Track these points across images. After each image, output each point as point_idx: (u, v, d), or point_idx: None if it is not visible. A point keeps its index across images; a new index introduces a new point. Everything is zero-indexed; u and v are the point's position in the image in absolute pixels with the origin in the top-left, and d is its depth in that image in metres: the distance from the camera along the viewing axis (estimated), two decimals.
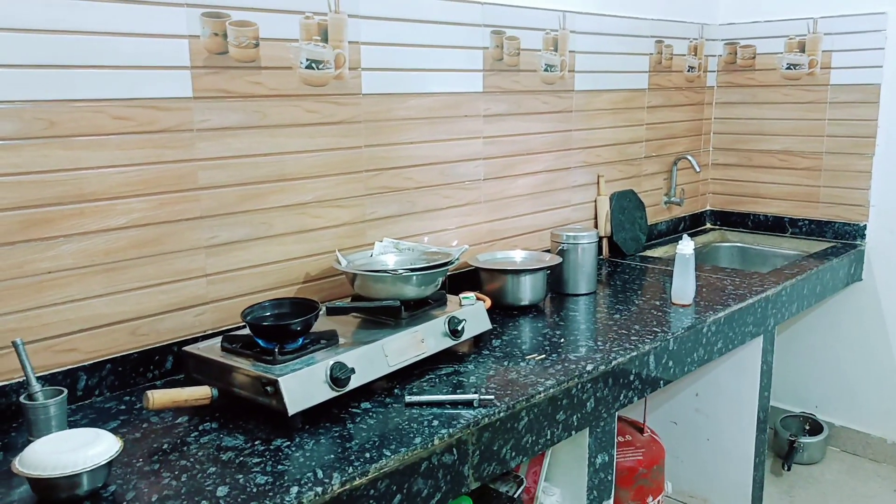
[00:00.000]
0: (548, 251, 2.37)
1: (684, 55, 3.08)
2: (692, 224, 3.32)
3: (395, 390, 1.59)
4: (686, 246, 2.17)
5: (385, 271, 1.76)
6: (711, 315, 2.10)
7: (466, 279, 2.23)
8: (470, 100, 2.25)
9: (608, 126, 2.78)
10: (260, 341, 1.53)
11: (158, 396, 1.40)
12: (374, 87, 1.98)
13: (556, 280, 2.32)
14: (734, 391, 2.47)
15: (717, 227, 3.36)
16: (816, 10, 2.96)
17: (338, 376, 1.47)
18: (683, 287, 2.18)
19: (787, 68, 3.06)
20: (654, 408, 2.72)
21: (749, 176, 3.25)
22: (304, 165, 1.87)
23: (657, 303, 2.22)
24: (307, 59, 1.84)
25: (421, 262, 1.86)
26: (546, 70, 2.47)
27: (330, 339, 1.58)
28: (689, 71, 3.12)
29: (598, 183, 2.78)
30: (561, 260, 2.25)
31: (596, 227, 2.79)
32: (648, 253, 2.92)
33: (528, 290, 2.14)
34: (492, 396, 1.53)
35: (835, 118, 2.97)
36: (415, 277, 1.73)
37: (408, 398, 1.53)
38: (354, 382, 1.50)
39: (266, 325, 1.57)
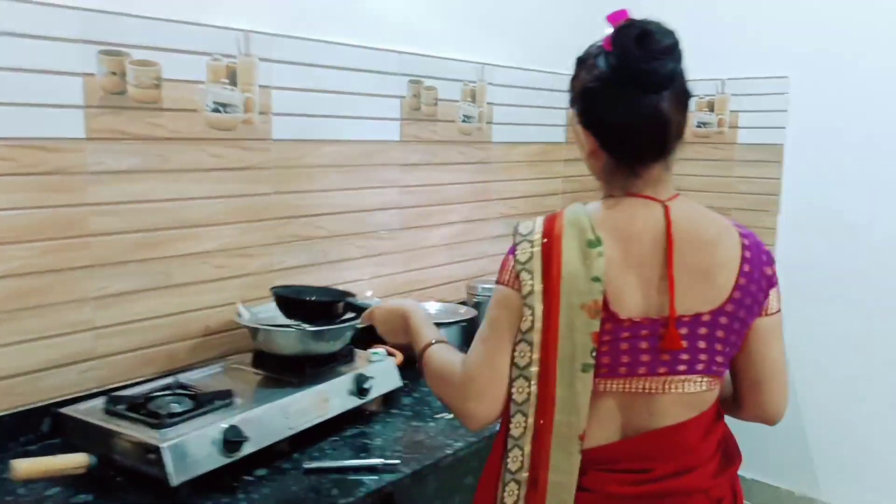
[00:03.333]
0: (464, 303, 2.33)
1: None
2: None
3: (295, 455, 1.49)
4: None
5: (289, 326, 1.67)
6: None
7: None
8: (386, 148, 2.21)
9: (525, 178, 2.79)
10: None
11: (26, 466, 1.26)
12: (285, 133, 1.92)
13: (472, 333, 2.27)
14: None
15: None
16: (724, 71, 3.07)
17: (231, 441, 1.37)
18: None
19: (698, 126, 3.16)
20: None
21: None
22: (208, 212, 1.78)
23: None
24: (214, 102, 1.76)
25: None
26: (464, 121, 2.47)
27: (225, 399, 1.48)
28: None
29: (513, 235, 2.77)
30: (476, 313, 2.20)
31: None
32: None
33: (454, 340, 2.07)
34: (397, 461, 1.46)
35: (742, 176, 3.07)
36: (321, 333, 1.65)
37: (307, 464, 1.44)
38: (249, 447, 1.40)
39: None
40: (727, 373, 1.18)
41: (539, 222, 1.14)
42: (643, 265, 1.08)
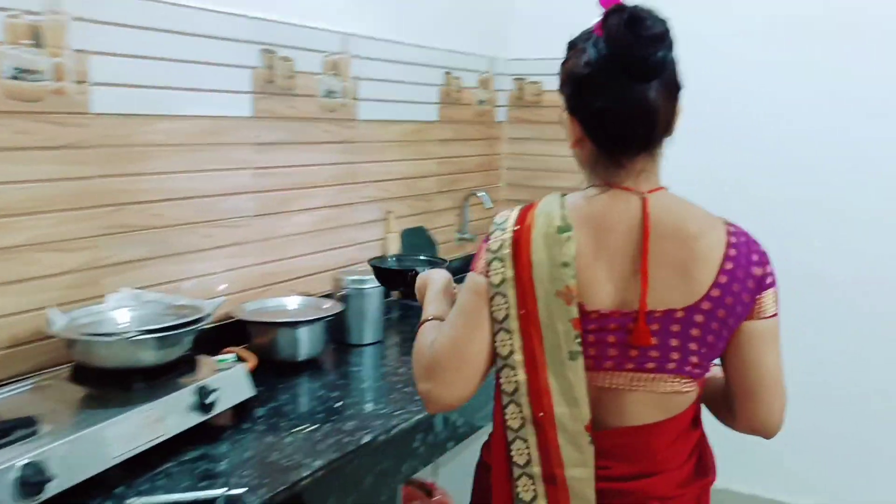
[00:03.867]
0: (330, 296, 2.12)
1: (474, 88, 3.00)
2: None
3: (119, 489, 1.25)
4: None
5: (112, 333, 1.41)
6: None
7: (234, 332, 1.91)
8: (236, 125, 1.96)
9: (397, 159, 2.61)
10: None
11: None
12: (108, 106, 1.63)
13: (338, 329, 2.08)
14: None
15: None
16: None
17: (30, 483, 1.11)
18: None
19: None
20: (449, 460, 2.54)
21: None
22: (12, 199, 1.48)
23: None
24: (14, 68, 1.46)
25: (167, 318, 1.53)
26: (326, 96, 2.24)
27: (26, 427, 1.21)
28: (479, 104, 3.05)
29: (387, 219, 2.58)
30: (343, 307, 2.00)
31: None
32: None
33: (303, 344, 1.87)
34: (243, 489, 1.25)
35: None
36: (151, 340, 1.41)
37: (131, 501, 1.20)
38: (56, 487, 1.15)
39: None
40: (719, 379, 1.15)
41: (515, 212, 1.12)
42: (615, 257, 1.05)
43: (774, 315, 1.08)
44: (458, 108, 2.90)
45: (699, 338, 1.04)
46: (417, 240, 2.69)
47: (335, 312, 1.95)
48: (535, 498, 1.06)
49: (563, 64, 1.11)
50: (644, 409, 1.07)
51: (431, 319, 1.22)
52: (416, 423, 1.60)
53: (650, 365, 1.05)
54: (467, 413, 1.81)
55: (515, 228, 1.08)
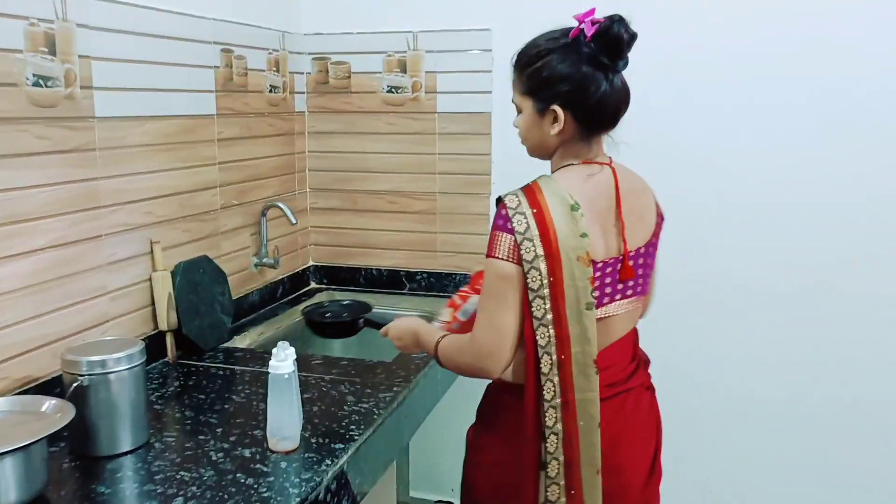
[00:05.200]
0: (60, 387, 1.41)
1: (263, 71, 2.35)
2: (293, 287, 2.59)
3: None
4: (282, 362, 1.40)
5: None
6: (331, 464, 1.37)
7: None
8: None
9: (161, 169, 1.90)
10: None
11: None
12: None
13: (77, 435, 1.38)
14: None
15: (323, 286, 2.70)
16: (415, 22, 2.47)
17: None
18: (282, 422, 1.41)
19: (389, 91, 2.53)
20: None
21: (356, 222, 2.65)
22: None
23: (249, 452, 1.42)
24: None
25: None
26: (36, 85, 1.50)
27: None
28: (271, 91, 2.40)
29: (151, 253, 1.88)
30: (72, 415, 1.30)
31: (154, 320, 1.89)
32: (237, 342, 2.11)
33: (7, 488, 1.16)
34: None
35: (446, 152, 2.51)
36: None
37: None
38: None
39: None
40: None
41: (521, 196, 1.30)
42: (602, 217, 1.33)
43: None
44: (243, 96, 2.24)
45: (650, 265, 1.42)
46: (200, 275, 2.01)
47: (62, 425, 1.24)
48: (555, 423, 1.31)
49: (543, 67, 1.31)
50: (624, 325, 1.40)
51: (443, 337, 1.45)
52: None
53: (630, 292, 1.38)
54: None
55: (534, 211, 1.28)
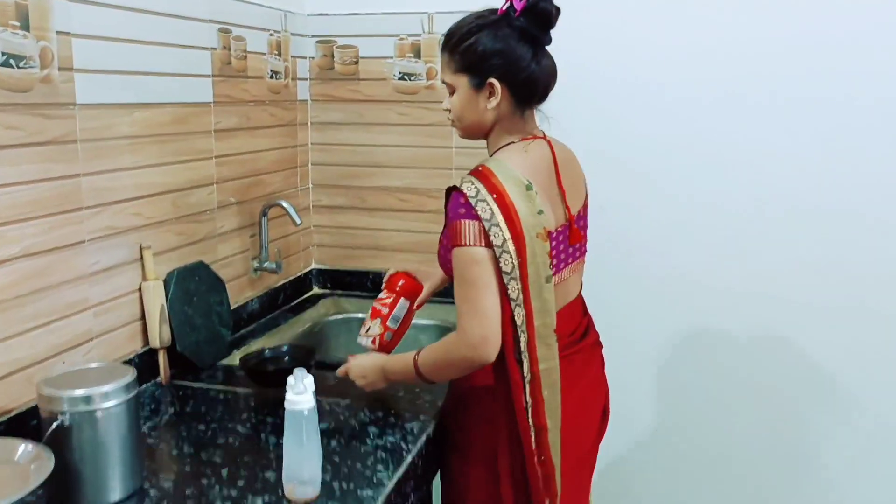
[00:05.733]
0: (37, 425, 1.19)
1: (264, 54, 2.11)
2: (295, 292, 2.37)
3: None
4: (300, 395, 1.18)
5: None
6: None
7: None
8: None
9: (150, 164, 1.67)
10: None
11: None
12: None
13: (58, 483, 1.15)
14: None
15: (327, 291, 2.48)
16: (430, 2, 2.24)
17: None
18: (301, 465, 1.19)
19: (401, 78, 2.30)
20: None
21: (363, 222, 2.43)
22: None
23: (261, 500, 1.20)
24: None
25: None
26: (6, 65, 1.27)
27: None
28: (272, 77, 2.16)
29: (141, 260, 1.65)
30: (52, 465, 1.08)
31: (145, 336, 1.66)
32: (237, 358, 1.88)
33: None
34: None
35: (463, 146, 2.29)
36: None
37: None
38: None
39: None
40: None
41: (478, 184, 1.31)
42: (547, 189, 1.38)
43: None
44: (242, 82, 2.01)
45: (587, 224, 1.52)
46: (195, 285, 1.78)
47: (27, 491, 1.01)
48: (528, 406, 1.37)
49: (477, 43, 1.34)
50: (575, 287, 1.51)
51: (417, 353, 1.43)
52: None
53: (577, 254, 1.47)
54: None
55: (494, 196, 1.30)
